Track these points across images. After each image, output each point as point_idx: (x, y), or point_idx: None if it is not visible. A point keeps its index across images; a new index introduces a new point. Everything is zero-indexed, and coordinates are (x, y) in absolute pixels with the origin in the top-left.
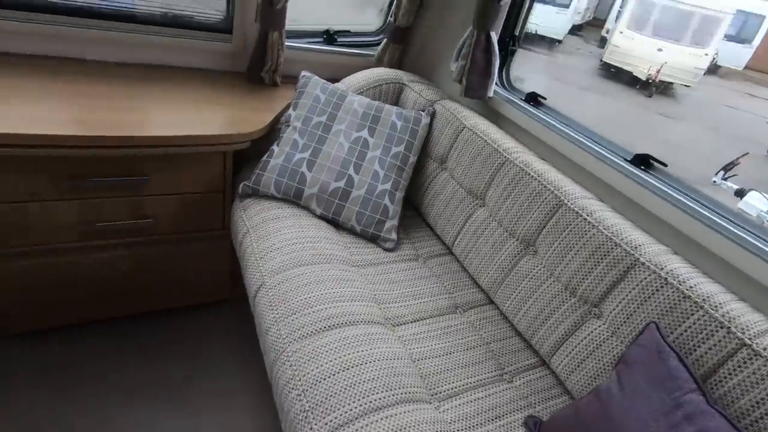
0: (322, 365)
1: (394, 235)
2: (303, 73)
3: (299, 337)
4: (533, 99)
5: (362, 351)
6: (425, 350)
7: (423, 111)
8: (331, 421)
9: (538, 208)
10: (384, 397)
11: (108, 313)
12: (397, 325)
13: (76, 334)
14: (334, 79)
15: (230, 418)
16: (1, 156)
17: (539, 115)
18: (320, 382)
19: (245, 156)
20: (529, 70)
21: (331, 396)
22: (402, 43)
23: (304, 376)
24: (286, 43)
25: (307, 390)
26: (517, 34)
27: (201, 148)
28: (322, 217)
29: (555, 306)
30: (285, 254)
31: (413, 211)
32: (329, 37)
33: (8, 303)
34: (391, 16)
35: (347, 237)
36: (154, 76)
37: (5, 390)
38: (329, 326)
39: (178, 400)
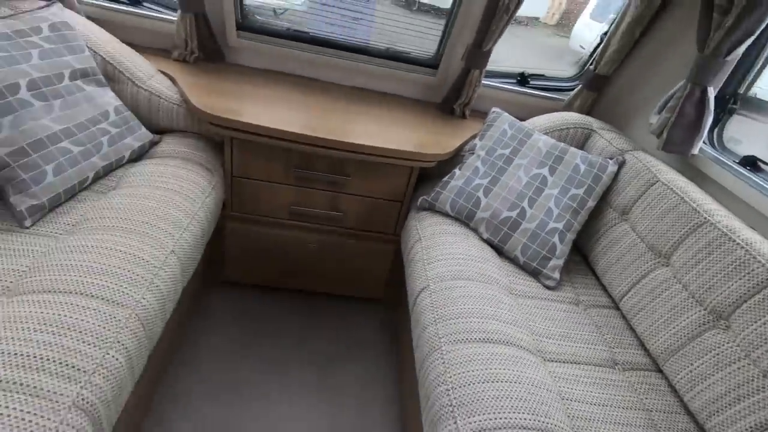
0: (472, 370)
1: (556, 275)
2: (494, 109)
3: (454, 341)
4: (751, 163)
5: (513, 370)
6: (576, 393)
7: (611, 159)
8: (475, 422)
9: (741, 279)
10: (528, 419)
11: (290, 285)
12: (549, 360)
13: (262, 295)
14: (520, 118)
15: (363, 400)
16: (256, 143)
17: (756, 180)
18: (469, 385)
19: (427, 174)
20: (741, 136)
21: (477, 400)
22: (597, 90)
23: (454, 375)
24: (482, 81)
25: (455, 388)
26: (741, 92)
27: (396, 160)
28: (487, 242)
29: (746, 392)
30: (450, 265)
31: (580, 257)
32: (523, 79)
33: (227, 255)
34: (591, 64)
35: (508, 265)
36: (369, 98)
37: (206, 326)
38: (484, 339)
39: (324, 374)
